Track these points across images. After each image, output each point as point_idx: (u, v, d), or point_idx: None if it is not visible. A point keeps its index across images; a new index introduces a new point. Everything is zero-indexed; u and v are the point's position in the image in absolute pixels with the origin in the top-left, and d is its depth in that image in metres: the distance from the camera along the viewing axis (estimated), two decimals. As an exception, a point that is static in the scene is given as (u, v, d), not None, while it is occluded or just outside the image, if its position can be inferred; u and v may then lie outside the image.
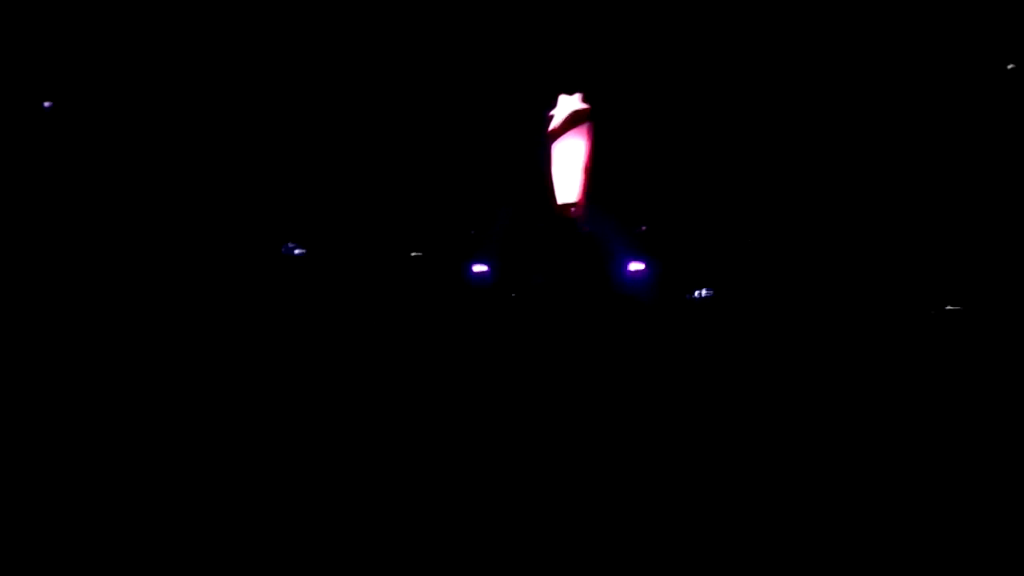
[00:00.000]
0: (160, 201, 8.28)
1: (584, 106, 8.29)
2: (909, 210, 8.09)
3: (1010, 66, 8.07)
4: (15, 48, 8.21)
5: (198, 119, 8.33)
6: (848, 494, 7.59)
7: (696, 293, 8.18)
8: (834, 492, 7.62)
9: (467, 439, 8.05)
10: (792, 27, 8.27)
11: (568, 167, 8.28)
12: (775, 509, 7.66)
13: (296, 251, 8.28)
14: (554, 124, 8.29)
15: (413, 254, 8.34)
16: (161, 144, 8.32)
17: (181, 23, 8.27)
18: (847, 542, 7.47)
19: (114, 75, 8.35)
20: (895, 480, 7.60)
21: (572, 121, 8.29)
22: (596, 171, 8.27)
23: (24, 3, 8.29)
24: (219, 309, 8.19)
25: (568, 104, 8.30)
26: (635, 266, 8.22)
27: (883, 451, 7.70)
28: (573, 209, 8.27)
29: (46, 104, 8.22)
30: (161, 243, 8.25)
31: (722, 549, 7.60)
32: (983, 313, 7.90)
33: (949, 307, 7.93)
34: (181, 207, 8.28)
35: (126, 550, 7.59)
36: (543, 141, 8.29)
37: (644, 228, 8.29)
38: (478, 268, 8.28)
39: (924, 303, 7.96)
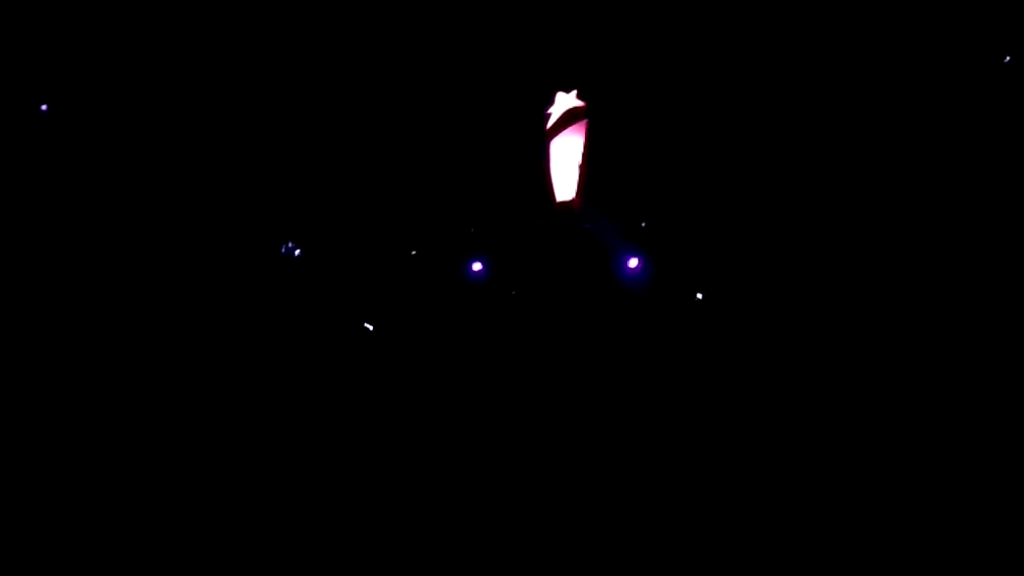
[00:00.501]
0: (157, 202, 8.29)
1: (580, 103, 8.30)
2: (907, 205, 8.08)
3: (1007, 58, 8.06)
4: (14, 49, 8.23)
5: (194, 120, 8.31)
6: (844, 493, 7.65)
7: (697, 294, 8.18)
8: (831, 491, 7.68)
9: (467, 436, 8.11)
10: (788, 22, 8.25)
11: (566, 164, 8.29)
12: (773, 507, 7.72)
13: (296, 251, 8.30)
14: (551, 121, 8.30)
15: (412, 252, 8.36)
16: (158, 145, 8.31)
17: (178, 23, 8.25)
18: (842, 540, 7.54)
19: (111, 75, 8.34)
20: (891, 479, 7.65)
21: (569, 118, 8.29)
22: (594, 168, 8.27)
23: (24, 3, 8.31)
24: (218, 309, 8.22)
25: (565, 101, 8.30)
26: (634, 262, 8.23)
27: (879, 450, 7.74)
28: (571, 206, 8.28)
29: (43, 107, 8.22)
30: (159, 244, 8.27)
31: (719, 546, 7.67)
32: (982, 313, 7.91)
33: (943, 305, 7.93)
34: (178, 209, 8.28)
35: (125, 549, 7.69)
36: (541, 139, 8.30)
37: (643, 224, 8.30)
38: (476, 266, 8.31)
39: (922, 299, 7.96)
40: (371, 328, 8.30)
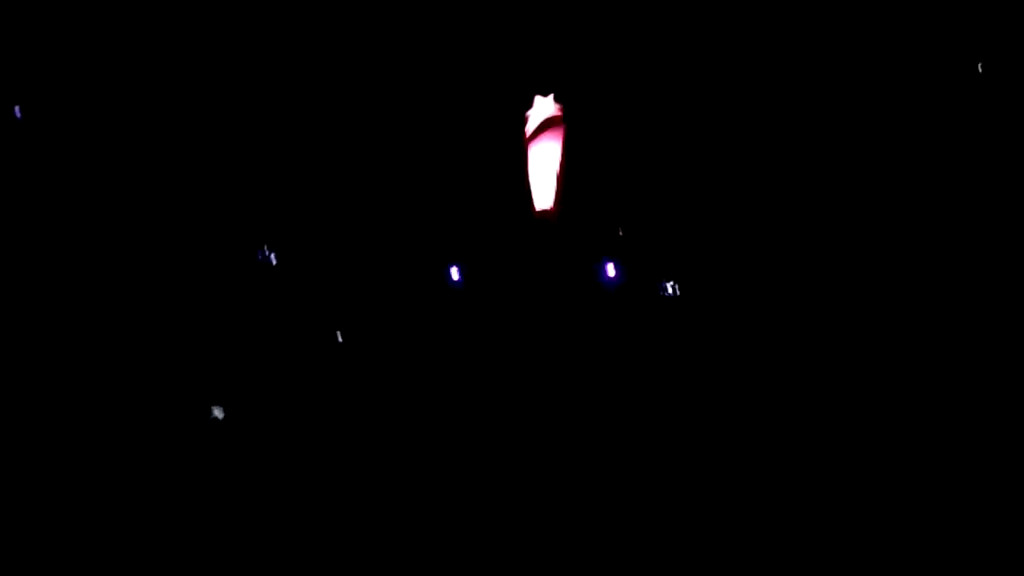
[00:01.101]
0: (131, 208, 8.21)
1: (557, 108, 8.25)
2: (890, 211, 8.07)
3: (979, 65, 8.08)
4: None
5: (168, 126, 8.26)
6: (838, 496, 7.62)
7: (667, 286, 8.12)
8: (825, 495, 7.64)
9: (445, 445, 8.03)
10: (767, 28, 8.26)
11: (544, 171, 8.24)
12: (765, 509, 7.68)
13: (271, 257, 8.22)
14: (530, 126, 8.25)
15: (388, 259, 8.29)
16: (131, 150, 8.24)
17: (158, 26, 8.20)
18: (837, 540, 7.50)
19: (95, 76, 8.26)
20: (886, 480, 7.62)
21: (546, 124, 8.25)
22: (572, 175, 8.23)
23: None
24: (195, 316, 8.14)
25: (543, 106, 8.26)
26: (612, 270, 8.19)
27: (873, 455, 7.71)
28: (549, 213, 8.23)
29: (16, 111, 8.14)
30: (134, 250, 8.18)
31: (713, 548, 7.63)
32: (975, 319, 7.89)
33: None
34: (149, 214, 8.20)
35: (123, 550, 7.59)
36: (520, 143, 8.25)
37: (621, 232, 8.26)
38: (453, 274, 8.24)
39: (910, 309, 7.94)
40: (346, 336, 8.19)
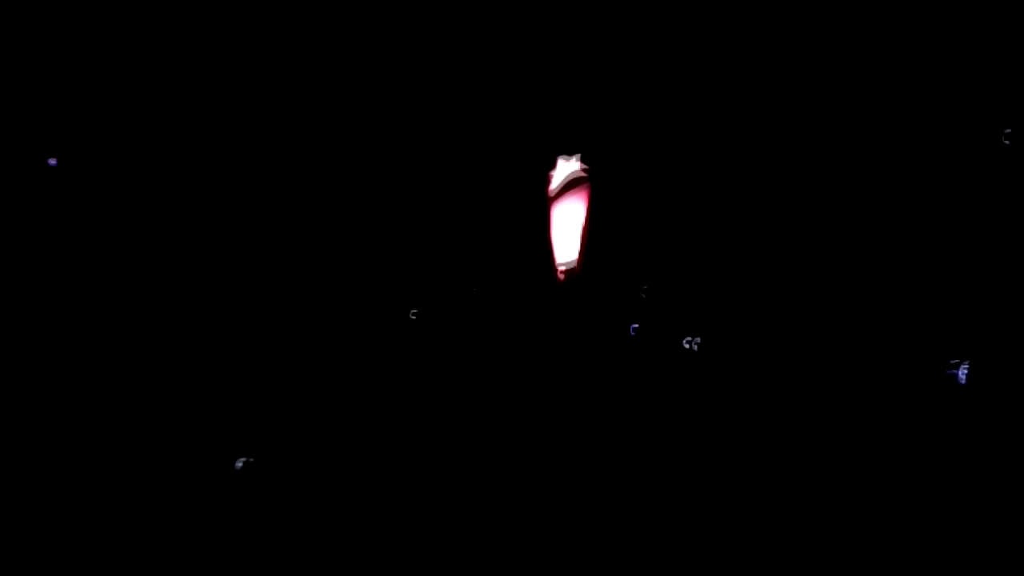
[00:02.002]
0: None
1: (582, 168, 8.32)
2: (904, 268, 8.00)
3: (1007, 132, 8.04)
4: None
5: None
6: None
7: (689, 343, 8.04)
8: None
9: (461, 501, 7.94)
10: (791, 90, 8.31)
11: (567, 229, 8.27)
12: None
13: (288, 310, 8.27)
14: (553, 186, 8.31)
15: (411, 313, 8.30)
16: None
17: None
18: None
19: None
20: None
21: (571, 183, 8.31)
22: (596, 234, 8.25)
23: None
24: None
25: (567, 166, 8.32)
26: (636, 327, 8.13)
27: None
28: (572, 271, 8.23)
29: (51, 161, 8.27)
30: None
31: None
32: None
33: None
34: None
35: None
36: (543, 202, 8.30)
37: (645, 288, 8.22)
38: (479, 330, 8.23)
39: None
40: (366, 389, 8.17)
